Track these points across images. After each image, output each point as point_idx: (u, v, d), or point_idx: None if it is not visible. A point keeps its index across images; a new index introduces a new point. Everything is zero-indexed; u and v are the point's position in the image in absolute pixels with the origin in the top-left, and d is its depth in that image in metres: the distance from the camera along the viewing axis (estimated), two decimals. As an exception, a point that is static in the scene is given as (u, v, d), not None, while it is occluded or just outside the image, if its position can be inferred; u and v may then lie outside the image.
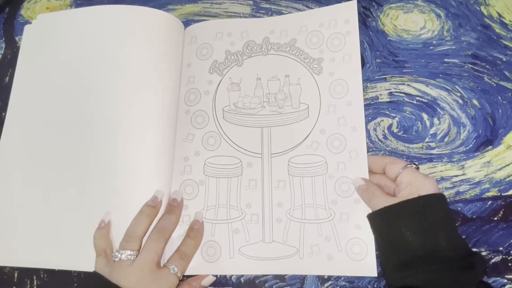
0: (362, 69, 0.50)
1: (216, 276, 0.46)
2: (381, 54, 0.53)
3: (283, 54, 0.53)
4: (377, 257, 0.44)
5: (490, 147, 0.48)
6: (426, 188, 0.41)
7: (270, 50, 0.53)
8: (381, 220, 0.42)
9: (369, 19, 0.55)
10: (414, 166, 0.43)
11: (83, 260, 0.45)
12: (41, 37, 0.55)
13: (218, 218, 0.47)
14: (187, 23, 0.57)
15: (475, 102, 0.50)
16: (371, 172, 0.46)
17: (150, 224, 0.45)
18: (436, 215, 0.40)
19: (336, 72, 0.50)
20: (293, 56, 0.52)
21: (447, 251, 0.38)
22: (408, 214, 0.40)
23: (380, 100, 0.52)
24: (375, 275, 0.43)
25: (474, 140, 0.49)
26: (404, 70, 0.52)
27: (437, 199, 0.41)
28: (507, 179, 0.47)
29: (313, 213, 0.46)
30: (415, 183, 0.41)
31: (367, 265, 0.44)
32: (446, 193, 0.47)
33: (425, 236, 0.39)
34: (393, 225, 0.40)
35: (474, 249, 0.45)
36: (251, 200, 0.48)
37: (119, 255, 0.42)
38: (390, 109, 0.51)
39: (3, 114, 0.53)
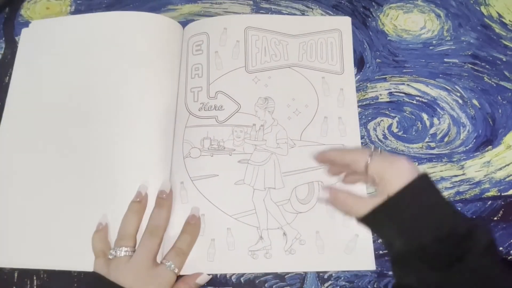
0: (362, 69, 0.49)
1: (211, 274, 0.45)
2: (381, 54, 0.53)
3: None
4: (375, 250, 0.43)
5: (490, 147, 0.48)
6: (396, 180, 0.36)
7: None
8: (367, 226, 0.39)
9: (369, 19, 0.55)
10: (377, 151, 0.39)
11: (82, 260, 0.45)
12: (38, 42, 0.56)
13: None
14: (187, 23, 0.57)
15: (475, 102, 0.50)
16: (338, 167, 0.43)
17: (140, 220, 0.44)
18: (413, 210, 0.36)
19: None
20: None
21: (434, 247, 0.35)
22: (384, 220, 0.37)
23: (380, 100, 0.52)
24: (373, 268, 0.42)
25: (474, 140, 0.49)
26: (404, 70, 0.52)
27: (411, 189, 0.36)
28: (507, 179, 0.47)
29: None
30: (384, 177, 0.37)
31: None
32: (446, 193, 0.47)
33: (407, 239, 0.36)
34: (377, 231, 0.39)
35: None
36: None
37: (114, 252, 0.42)
38: (390, 109, 0.51)
39: (3, 114, 0.53)
